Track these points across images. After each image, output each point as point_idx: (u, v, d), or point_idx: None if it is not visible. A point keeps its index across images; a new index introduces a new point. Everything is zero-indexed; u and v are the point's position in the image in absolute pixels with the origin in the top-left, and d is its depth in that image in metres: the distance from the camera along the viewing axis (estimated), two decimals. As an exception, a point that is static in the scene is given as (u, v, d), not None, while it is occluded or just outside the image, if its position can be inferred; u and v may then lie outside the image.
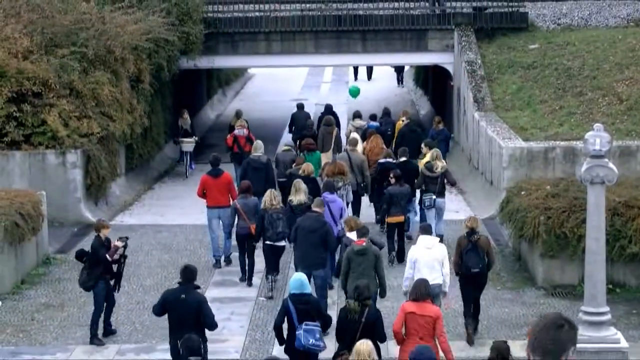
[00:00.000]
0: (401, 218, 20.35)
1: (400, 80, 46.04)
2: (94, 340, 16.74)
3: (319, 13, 32.45)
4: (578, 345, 6.31)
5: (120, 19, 27.14)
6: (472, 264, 16.41)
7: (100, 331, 16.92)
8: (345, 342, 13.22)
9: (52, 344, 16.88)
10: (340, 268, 16.19)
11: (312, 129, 27.74)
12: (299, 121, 29.49)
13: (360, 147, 24.00)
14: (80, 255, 16.91)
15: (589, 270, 14.61)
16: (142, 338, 17.10)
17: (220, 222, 21.03)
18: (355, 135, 25.14)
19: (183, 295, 14.03)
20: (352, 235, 16.75)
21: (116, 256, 16.78)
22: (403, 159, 22.52)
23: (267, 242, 18.79)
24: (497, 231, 22.81)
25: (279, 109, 33.58)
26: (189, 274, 14.29)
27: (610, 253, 17.82)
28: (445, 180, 21.93)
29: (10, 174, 23.73)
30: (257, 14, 32.31)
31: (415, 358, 11.33)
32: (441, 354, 13.50)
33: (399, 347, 13.75)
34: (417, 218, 22.00)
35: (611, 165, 14.41)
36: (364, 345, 11.72)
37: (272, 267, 19.06)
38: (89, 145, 24.17)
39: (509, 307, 18.38)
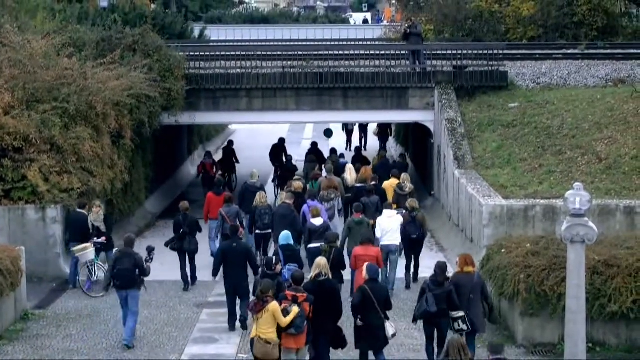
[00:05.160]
0: (371, 222, 23.83)
1: (383, 147, 45.82)
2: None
3: (300, 70, 32.68)
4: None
5: (102, 74, 27.23)
6: (411, 231, 23.35)
7: None
8: None
9: (29, 401, 16.71)
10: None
11: (291, 162, 32.84)
12: (276, 151, 36.20)
13: (354, 174, 29.75)
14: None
15: (570, 328, 14.63)
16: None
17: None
18: (350, 166, 30.73)
19: (235, 244, 20.16)
20: (314, 220, 22.72)
21: None
22: (373, 183, 27.66)
23: (257, 231, 24.36)
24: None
25: (260, 165, 33.60)
26: (232, 230, 20.82)
27: (590, 312, 17.85)
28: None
29: (-11, 228, 23.64)
30: (238, 70, 32.50)
31: (369, 272, 17.19)
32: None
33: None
34: None
35: (591, 224, 14.50)
36: (321, 260, 17.37)
37: (262, 249, 24.38)
38: (69, 200, 24.13)
39: (490, 366, 18.25)
